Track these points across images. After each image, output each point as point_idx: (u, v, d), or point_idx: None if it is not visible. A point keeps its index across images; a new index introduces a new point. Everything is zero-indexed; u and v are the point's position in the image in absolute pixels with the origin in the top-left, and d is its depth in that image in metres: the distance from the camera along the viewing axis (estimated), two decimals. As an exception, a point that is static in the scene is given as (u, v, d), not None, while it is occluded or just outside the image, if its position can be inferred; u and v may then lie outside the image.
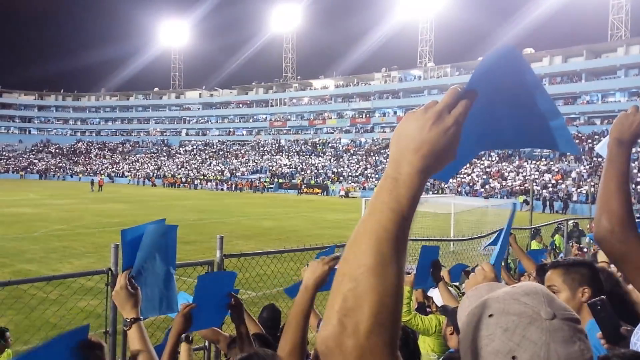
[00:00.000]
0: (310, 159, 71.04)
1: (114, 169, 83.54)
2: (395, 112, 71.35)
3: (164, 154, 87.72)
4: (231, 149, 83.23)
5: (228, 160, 78.35)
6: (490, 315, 0.89)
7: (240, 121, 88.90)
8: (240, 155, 79.38)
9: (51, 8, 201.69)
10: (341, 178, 60.76)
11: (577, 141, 49.21)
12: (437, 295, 4.59)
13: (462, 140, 0.83)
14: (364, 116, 75.26)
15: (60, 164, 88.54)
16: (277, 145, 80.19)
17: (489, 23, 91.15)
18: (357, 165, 64.68)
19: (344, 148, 72.88)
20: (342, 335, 0.76)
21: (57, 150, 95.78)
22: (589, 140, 49.70)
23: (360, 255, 0.78)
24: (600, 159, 45.16)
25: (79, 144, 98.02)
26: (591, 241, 10.55)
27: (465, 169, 52.48)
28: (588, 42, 56.06)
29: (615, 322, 1.78)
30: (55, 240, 19.46)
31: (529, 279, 4.95)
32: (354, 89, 76.70)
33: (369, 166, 63.33)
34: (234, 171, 71.51)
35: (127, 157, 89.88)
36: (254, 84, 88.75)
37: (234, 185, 63.19)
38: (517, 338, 0.85)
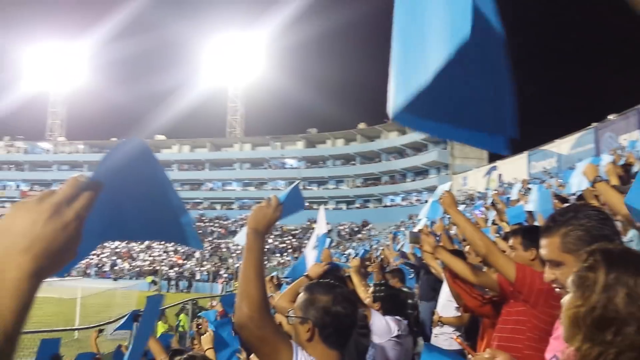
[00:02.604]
0: None
1: None
2: (18, 186, 63.40)
3: None
4: None
5: None
6: None
7: None
8: None
9: None
10: None
11: (201, 223, 53.82)
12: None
13: (84, 234, 0.75)
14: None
15: None
16: None
17: (130, 104, 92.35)
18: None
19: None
20: None
21: None
22: (210, 223, 55.05)
23: None
24: (217, 240, 50.39)
25: None
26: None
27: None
28: (211, 136, 63.15)
29: None
30: None
31: None
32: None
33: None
34: None
35: None
36: None
37: None
38: None
